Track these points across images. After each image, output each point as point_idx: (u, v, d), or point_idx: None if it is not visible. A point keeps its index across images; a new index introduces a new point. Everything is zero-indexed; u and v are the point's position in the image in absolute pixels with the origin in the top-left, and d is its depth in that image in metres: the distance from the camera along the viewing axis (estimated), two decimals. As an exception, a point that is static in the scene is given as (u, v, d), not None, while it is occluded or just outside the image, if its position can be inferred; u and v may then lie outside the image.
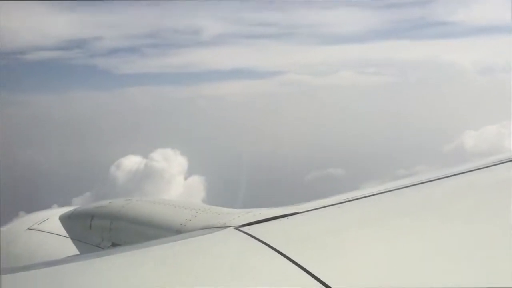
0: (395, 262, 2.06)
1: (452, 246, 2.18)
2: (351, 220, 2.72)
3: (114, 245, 3.87)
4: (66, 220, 4.70)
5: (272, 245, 2.21)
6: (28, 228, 5.44)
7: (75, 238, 4.45)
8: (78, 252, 4.26)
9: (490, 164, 3.42)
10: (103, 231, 3.98)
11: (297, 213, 2.73)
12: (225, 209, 3.25)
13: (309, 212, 2.77)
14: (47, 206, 6.10)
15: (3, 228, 5.65)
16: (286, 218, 2.68)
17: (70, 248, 4.35)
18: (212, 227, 2.85)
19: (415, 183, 3.26)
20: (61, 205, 5.76)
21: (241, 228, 2.57)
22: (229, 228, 2.65)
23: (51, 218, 5.33)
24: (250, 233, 2.45)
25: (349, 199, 2.93)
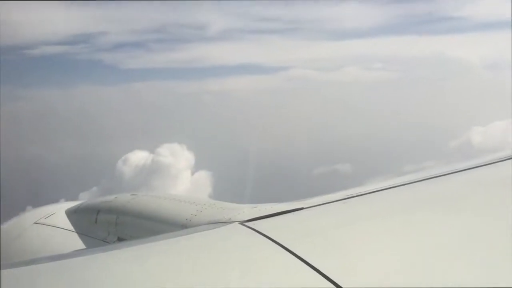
0: (400, 258, 2.05)
1: (459, 242, 2.18)
2: (356, 215, 2.71)
3: (120, 239, 3.88)
4: (72, 214, 4.72)
5: (277, 240, 2.21)
6: (34, 222, 5.46)
7: (81, 232, 4.46)
8: (84, 247, 4.28)
9: (497, 160, 3.41)
10: (109, 225, 4.00)
11: (302, 208, 2.73)
12: (231, 204, 3.25)
13: (315, 207, 2.76)
14: (54, 201, 6.12)
15: (10, 222, 5.68)
16: (291, 213, 2.67)
17: (76, 242, 4.37)
18: (218, 222, 2.85)
19: (421, 178, 3.24)
20: (68, 199, 5.78)
21: (247, 223, 2.56)
22: (234, 223, 2.65)
23: (57, 213, 5.35)
24: (256, 228, 2.45)
25: (355, 195, 2.92)
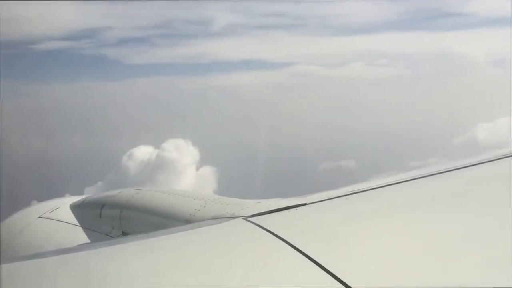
0: (402, 255, 2.05)
1: (463, 239, 2.17)
2: (359, 211, 2.71)
3: (124, 234, 3.90)
4: (76, 208, 4.74)
5: (280, 235, 2.21)
6: (39, 217, 5.48)
7: (86, 226, 4.48)
8: (88, 241, 4.30)
9: (501, 157, 3.40)
10: (113, 220, 4.01)
11: (305, 204, 2.73)
12: (234, 200, 3.25)
13: (318, 203, 2.76)
14: (60, 195, 6.14)
15: (15, 217, 5.71)
16: (294, 209, 2.68)
17: (80, 236, 4.38)
18: (221, 217, 2.86)
19: (424, 175, 3.24)
20: (73, 194, 5.79)
21: (250, 219, 2.57)
22: (238, 219, 2.66)
23: (62, 207, 5.37)
24: (259, 223, 2.45)
25: (358, 191, 2.92)
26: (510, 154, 3.39)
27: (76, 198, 5.11)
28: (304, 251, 2.02)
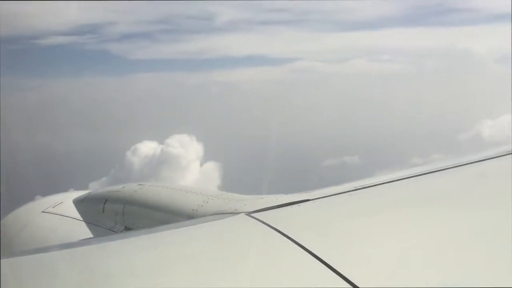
0: (404, 251, 2.05)
1: (467, 235, 2.17)
2: (362, 208, 2.71)
3: (127, 229, 3.90)
4: (79, 203, 4.74)
5: (283, 231, 2.21)
6: (42, 212, 5.50)
7: (89, 221, 4.48)
8: (91, 236, 4.30)
9: (505, 153, 3.38)
10: (116, 215, 4.01)
11: (308, 200, 2.73)
12: (237, 195, 3.25)
13: (321, 199, 2.76)
14: (64, 191, 6.16)
15: (18, 211, 5.72)
16: (297, 205, 2.67)
17: (83, 231, 4.39)
18: (224, 213, 2.86)
19: (428, 171, 3.23)
20: (78, 189, 5.80)
21: (253, 214, 2.56)
22: (240, 214, 2.65)
23: (65, 202, 5.38)
24: (261, 219, 2.45)
25: (361, 187, 2.92)
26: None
27: (79, 193, 5.11)
28: (307, 247, 2.02)
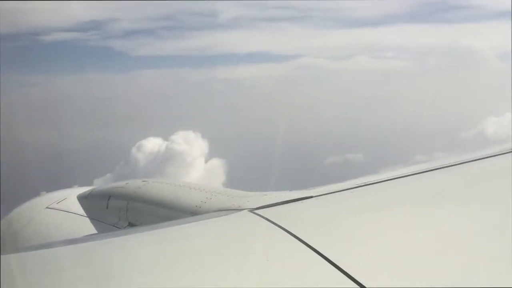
0: (406, 248, 2.05)
1: (470, 233, 2.17)
2: (364, 205, 2.71)
3: (130, 225, 3.91)
4: (83, 199, 4.75)
5: (286, 228, 2.22)
6: (46, 207, 5.52)
7: (92, 217, 4.50)
8: (95, 232, 4.32)
9: (508, 151, 3.38)
10: (120, 211, 4.02)
11: (311, 197, 2.73)
12: (240, 192, 3.25)
13: (324, 196, 2.76)
14: (68, 187, 6.17)
15: (22, 207, 5.75)
16: (300, 201, 2.68)
17: (87, 227, 4.40)
18: (227, 210, 2.87)
19: (431, 168, 3.23)
20: (82, 185, 5.82)
21: (256, 211, 2.57)
22: (243, 211, 2.66)
23: (69, 198, 5.41)
24: (265, 216, 2.45)
25: (364, 184, 2.92)
26: None
27: (83, 189, 5.13)
28: (310, 244, 2.02)
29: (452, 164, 3.26)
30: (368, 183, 2.96)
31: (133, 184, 4.08)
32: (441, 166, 3.24)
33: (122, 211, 4.00)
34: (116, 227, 3.99)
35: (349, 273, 1.80)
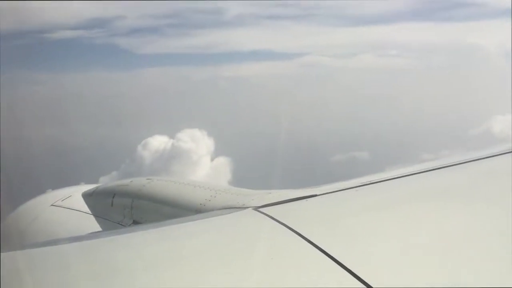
0: (411, 247, 2.03)
1: (475, 231, 2.15)
2: (368, 203, 2.70)
3: (135, 223, 3.91)
4: (88, 197, 4.76)
5: (290, 226, 2.21)
6: (51, 205, 5.54)
7: (97, 215, 4.50)
8: (100, 229, 4.32)
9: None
10: (125, 209, 4.02)
11: (316, 195, 2.72)
12: (245, 190, 3.25)
13: (328, 194, 2.75)
14: (74, 185, 6.19)
15: (27, 204, 5.76)
16: (305, 200, 2.67)
17: (92, 225, 4.41)
18: (232, 208, 2.86)
19: (436, 167, 3.22)
20: (88, 183, 5.83)
21: (260, 209, 2.56)
22: (248, 209, 2.65)
23: (74, 195, 5.42)
24: (269, 214, 2.45)
25: (368, 183, 2.91)
26: None
27: (88, 187, 5.13)
28: (314, 242, 2.02)
29: (458, 162, 3.24)
30: (373, 181, 2.95)
31: (137, 182, 4.08)
32: (447, 165, 3.22)
33: (126, 209, 4.00)
34: (121, 224, 3.99)
35: (354, 272, 1.79)
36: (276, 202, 2.64)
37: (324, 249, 1.95)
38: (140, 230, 3.19)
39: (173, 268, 2.01)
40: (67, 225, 5.05)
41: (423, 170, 3.16)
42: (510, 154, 3.32)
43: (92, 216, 4.60)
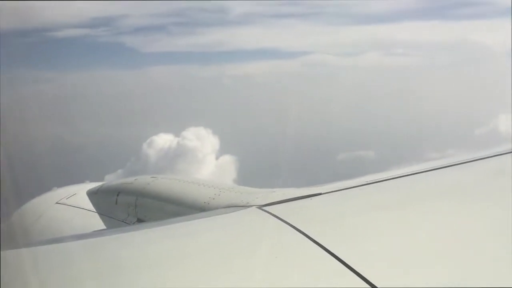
0: (417, 246, 2.02)
1: (481, 231, 2.14)
2: (373, 202, 2.69)
3: (139, 221, 3.92)
4: (93, 195, 4.77)
5: (294, 225, 2.20)
6: (56, 202, 5.56)
7: (102, 213, 4.52)
8: (104, 227, 4.33)
9: None
10: (129, 207, 4.03)
11: (320, 194, 2.72)
12: (249, 189, 3.25)
13: (332, 193, 2.75)
14: (79, 183, 6.21)
15: (32, 202, 5.79)
16: (309, 198, 2.66)
17: (96, 222, 4.42)
18: (235, 206, 2.86)
19: (441, 166, 3.21)
20: (93, 181, 5.85)
21: (264, 208, 2.56)
22: (252, 207, 2.65)
23: (79, 193, 5.44)
24: (273, 212, 2.44)
25: (373, 181, 2.90)
26: None
27: (93, 185, 5.14)
28: (318, 241, 2.01)
29: (464, 161, 3.23)
30: (378, 180, 2.94)
31: (142, 180, 4.09)
32: (453, 164, 3.21)
33: (131, 207, 4.01)
34: (125, 222, 4.00)
35: (358, 271, 1.78)
36: (280, 201, 2.64)
37: (328, 248, 1.95)
38: (144, 228, 3.20)
39: (177, 267, 2.01)
40: (72, 223, 5.07)
41: (428, 169, 3.15)
42: None
43: (96, 214, 4.62)
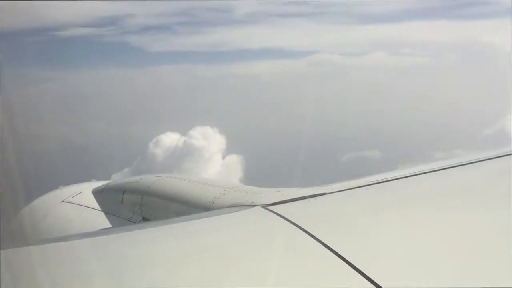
0: (422, 246, 2.01)
1: (487, 232, 2.13)
2: (378, 202, 2.68)
3: (144, 219, 3.92)
4: (98, 194, 4.78)
5: (299, 224, 2.20)
6: (62, 201, 5.57)
7: (107, 211, 4.52)
8: (109, 226, 4.34)
9: None
10: (134, 206, 4.04)
11: (325, 193, 2.71)
12: (254, 188, 3.25)
13: (337, 193, 2.74)
14: (87, 181, 6.22)
15: (38, 201, 5.80)
16: (313, 198, 2.65)
17: (102, 221, 4.43)
18: (240, 205, 2.86)
19: (447, 166, 3.20)
20: (100, 180, 5.86)
21: (269, 207, 2.55)
22: (257, 207, 2.64)
23: (84, 192, 5.45)
24: (278, 212, 2.44)
25: (379, 181, 2.89)
26: None
27: (99, 184, 5.16)
28: (322, 240, 2.00)
29: (471, 161, 3.22)
30: (383, 180, 2.93)
31: (147, 179, 4.10)
32: (460, 164, 3.19)
33: (136, 206, 4.02)
34: (130, 221, 4.01)
35: (363, 271, 1.77)
36: (285, 200, 2.63)
37: (333, 248, 1.94)
38: (149, 227, 3.20)
39: (182, 265, 2.01)
40: (77, 222, 5.09)
41: (435, 169, 3.14)
42: None
43: (102, 212, 4.63)
